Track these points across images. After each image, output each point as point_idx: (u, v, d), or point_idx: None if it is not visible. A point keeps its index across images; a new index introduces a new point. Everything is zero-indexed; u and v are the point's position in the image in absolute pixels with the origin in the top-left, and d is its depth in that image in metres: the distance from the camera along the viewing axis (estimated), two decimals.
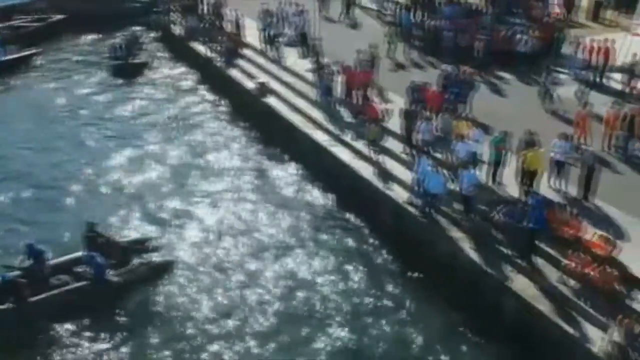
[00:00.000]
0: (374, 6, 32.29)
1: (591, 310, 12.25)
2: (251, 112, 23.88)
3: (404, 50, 25.25)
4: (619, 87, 21.65)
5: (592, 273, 12.59)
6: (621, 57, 22.20)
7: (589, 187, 15.02)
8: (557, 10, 28.62)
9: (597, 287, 12.47)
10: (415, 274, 15.23)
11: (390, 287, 14.97)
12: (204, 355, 13.02)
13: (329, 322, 13.84)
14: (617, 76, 22.12)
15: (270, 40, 27.10)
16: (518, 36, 24.02)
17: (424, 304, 14.44)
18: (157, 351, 13.14)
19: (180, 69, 29.93)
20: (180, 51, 31.41)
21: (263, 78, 24.50)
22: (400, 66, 24.33)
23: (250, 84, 24.35)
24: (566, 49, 24.13)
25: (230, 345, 13.22)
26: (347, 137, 19.67)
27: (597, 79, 22.12)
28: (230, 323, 13.83)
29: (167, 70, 29.97)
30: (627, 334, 11.12)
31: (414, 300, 14.55)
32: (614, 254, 12.99)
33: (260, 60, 26.65)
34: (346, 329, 13.68)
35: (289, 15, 27.89)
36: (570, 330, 12.04)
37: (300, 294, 14.74)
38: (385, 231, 16.69)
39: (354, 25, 30.07)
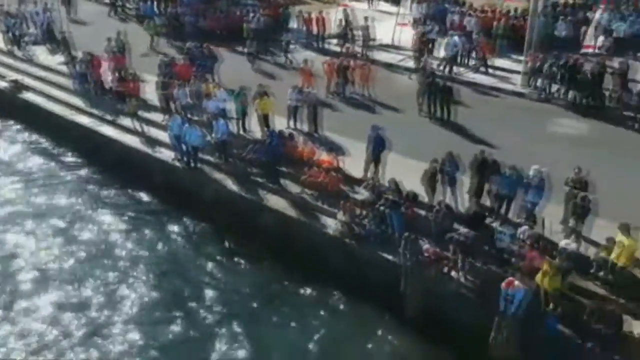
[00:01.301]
0: (119, 2, 33.82)
1: (326, 207, 15.90)
2: (9, 110, 24.11)
3: (154, 38, 27.29)
4: (337, 49, 26.32)
5: (324, 181, 16.28)
6: (334, 26, 27.03)
7: (316, 122, 18.92)
8: None
9: (328, 190, 16.17)
10: (192, 218, 17.66)
11: (169, 233, 17.23)
12: None
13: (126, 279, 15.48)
14: (334, 40, 26.88)
15: (17, 41, 27.28)
16: (251, 15, 27.63)
17: (202, 239, 16.94)
18: None
19: None
20: None
21: (16, 77, 24.80)
22: (152, 51, 26.38)
23: (2, 83, 24.51)
24: (293, 23, 28.33)
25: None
26: (110, 116, 21.33)
27: (319, 44, 26.61)
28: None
29: None
30: (350, 214, 14.91)
31: (191, 239, 17.00)
32: (338, 165, 16.85)
33: (9, 60, 26.81)
34: (133, 272, 15.62)
35: (32, 15, 28.26)
36: (313, 223, 15.61)
37: (89, 258, 16.16)
38: (160, 189, 18.82)
39: (106, 21, 31.33)
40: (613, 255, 12.14)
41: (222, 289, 15.20)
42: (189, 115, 19.55)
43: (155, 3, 30.46)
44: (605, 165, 15.78)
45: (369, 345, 13.42)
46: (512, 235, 13.09)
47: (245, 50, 25.44)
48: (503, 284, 12.12)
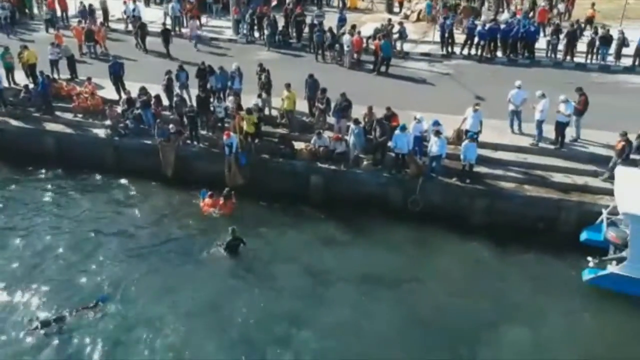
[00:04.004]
0: None
1: (96, 122, 21.28)
2: None
3: None
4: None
5: (87, 104, 21.59)
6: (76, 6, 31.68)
7: (74, 69, 24.10)
8: None
9: (93, 110, 21.55)
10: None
11: None
12: None
13: None
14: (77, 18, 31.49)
15: None
16: None
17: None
18: None
19: None
20: None
21: None
22: None
23: None
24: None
25: None
26: None
27: (64, 22, 31.11)
28: None
29: None
30: (114, 119, 20.57)
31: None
32: (94, 91, 22.18)
33: None
34: None
35: None
36: (87, 134, 20.97)
37: None
38: None
39: None
40: (285, 105, 19.74)
41: (21, 201, 19.58)
42: None
43: None
44: (283, 67, 23.80)
45: (146, 203, 19.30)
46: (226, 108, 19.98)
47: None
48: (223, 136, 18.92)
